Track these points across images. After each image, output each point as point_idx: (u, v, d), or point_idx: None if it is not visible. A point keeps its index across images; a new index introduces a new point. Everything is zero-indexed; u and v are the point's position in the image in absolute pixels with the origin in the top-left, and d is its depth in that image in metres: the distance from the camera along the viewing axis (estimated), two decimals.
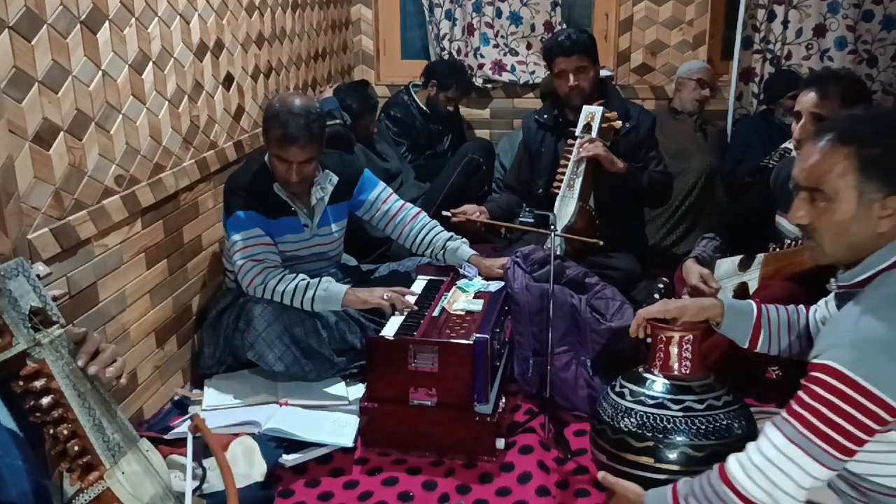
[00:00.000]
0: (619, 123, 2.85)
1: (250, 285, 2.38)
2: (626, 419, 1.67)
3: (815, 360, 1.31)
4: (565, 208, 2.76)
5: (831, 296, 1.62)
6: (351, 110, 3.37)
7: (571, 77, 2.88)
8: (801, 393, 1.31)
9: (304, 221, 2.52)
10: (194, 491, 1.82)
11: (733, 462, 1.35)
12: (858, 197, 1.34)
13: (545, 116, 3.06)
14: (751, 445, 1.35)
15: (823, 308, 1.64)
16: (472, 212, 2.88)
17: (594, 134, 2.80)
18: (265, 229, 2.43)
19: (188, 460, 1.50)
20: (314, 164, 2.42)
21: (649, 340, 1.78)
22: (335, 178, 2.55)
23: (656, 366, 1.71)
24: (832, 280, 1.48)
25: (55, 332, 1.26)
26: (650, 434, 1.63)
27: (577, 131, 2.83)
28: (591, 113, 2.84)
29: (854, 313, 1.32)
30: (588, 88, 2.90)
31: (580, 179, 2.78)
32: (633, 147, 2.93)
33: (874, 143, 1.34)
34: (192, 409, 2.34)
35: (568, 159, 2.83)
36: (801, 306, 1.70)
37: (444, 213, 2.80)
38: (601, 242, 2.58)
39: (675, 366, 1.69)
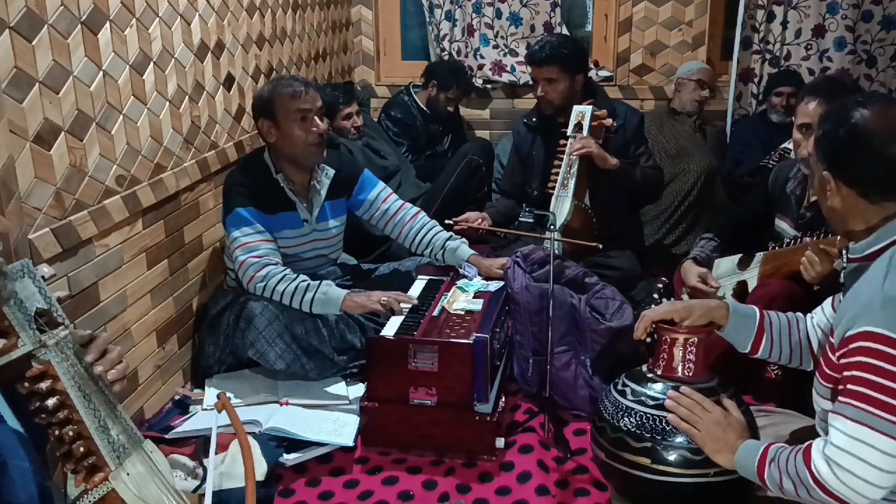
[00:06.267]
0: (609, 121, 2.89)
1: (251, 281, 2.38)
2: (625, 418, 1.66)
3: (849, 333, 1.28)
4: (561, 207, 2.78)
5: (827, 301, 1.63)
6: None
7: (539, 87, 2.96)
8: (847, 372, 1.27)
9: (304, 216, 2.53)
10: (195, 490, 1.83)
11: (817, 454, 1.31)
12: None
13: (534, 119, 3.10)
14: (823, 440, 1.31)
15: (821, 314, 1.64)
16: (475, 219, 2.95)
17: (585, 133, 2.83)
18: (265, 226, 2.43)
19: (212, 448, 1.51)
20: (325, 122, 2.51)
21: (649, 340, 1.78)
22: (331, 172, 2.57)
23: (660, 366, 1.71)
24: (840, 257, 1.44)
25: (60, 334, 1.26)
26: (648, 435, 1.62)
27: (569, 131, 2.87)
28: (582, 112, 2.88)
29: (876, 278, 1.30)
30: (557, 100, 2.96)
31: (574, 178, 2.80)
32: (623, 145, 2.97)
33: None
34: (193, 409, 2.35)
35: (561, 159, 2.86)
36: (800, 313, 1.69)
37: (447, 221, 2.83)
38: (600, 246, 2.60)
39: (679, 368, 1.69)
